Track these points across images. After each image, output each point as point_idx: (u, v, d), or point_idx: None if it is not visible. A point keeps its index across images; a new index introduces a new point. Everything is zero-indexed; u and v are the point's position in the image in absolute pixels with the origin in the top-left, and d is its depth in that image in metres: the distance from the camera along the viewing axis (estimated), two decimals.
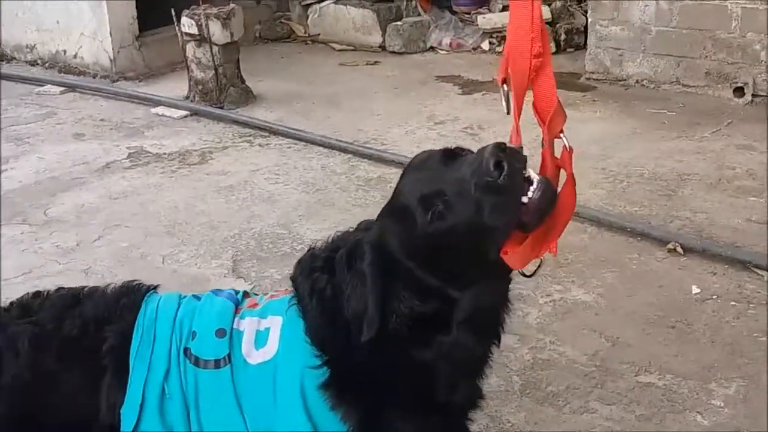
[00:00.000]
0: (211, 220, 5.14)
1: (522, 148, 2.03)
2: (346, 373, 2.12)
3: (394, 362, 2.11)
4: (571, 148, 2.01)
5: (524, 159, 1.99)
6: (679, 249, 4.55)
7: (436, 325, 2.08)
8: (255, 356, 2.20)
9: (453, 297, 2.05)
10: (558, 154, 2.04)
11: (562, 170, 2.05)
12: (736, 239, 4.67)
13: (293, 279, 2.27)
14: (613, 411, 3.39)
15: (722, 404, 3.42)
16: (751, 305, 4.07)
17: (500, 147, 1.94)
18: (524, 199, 1.93)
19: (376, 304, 2.05)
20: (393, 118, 6.82)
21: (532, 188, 1.93)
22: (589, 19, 7.71)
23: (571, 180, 2.00)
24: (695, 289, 4.22)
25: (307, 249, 2.32)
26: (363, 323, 2.05)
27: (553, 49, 8.40)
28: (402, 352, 2.10)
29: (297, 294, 2.22)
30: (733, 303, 4.10)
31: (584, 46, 8.05)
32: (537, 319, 4.01)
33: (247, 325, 2.26)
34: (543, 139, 2.02)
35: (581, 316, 4.04)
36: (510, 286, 2.18)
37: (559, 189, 2.01)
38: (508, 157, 1.92)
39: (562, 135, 2.00)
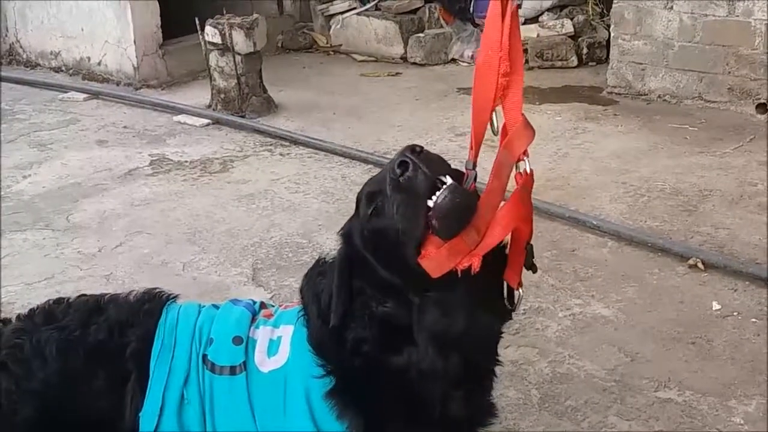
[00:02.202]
0: (231, 228, 5.16)
1: (474, 165, 2.03)
2: (348, 381, 2.15)
3: (378, 368, 2.12)
4: (531, 172, 1.98)
5: (440, 164, 2.00)
6: (700, 265, 4.53)
7: (405, 332, 2.07)
8: (267, 364, 2.24)
9: (412, 301, 2.06)
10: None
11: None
12: (757, 256, 4.65)
13: (300, 289, 2.31)
14: (632, 427, 3.37)
15: (742, 421, 3.40)
16: None
17: (411, 148, 1.97)
18: (430, 203, 1.93)
19: (340, 290, 2.10)
20: (413, 129, 6.82)
21: (438, 192, 1.92)
22: (612, 34, 7.68)
23: (515, 201, 1.97)
24: (716, 306, 4.20)
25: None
26: (326, 307, 2.12)
27: (575, 63, 8.43)
28: (380, 358, 2.11)
29: (303, 303, 2.27)
30: (753, 320, 4.08)
31: (606, 60, 8.02)
32: (556, 332, 4.00)
33: (261, 334, 2.30)
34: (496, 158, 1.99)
35: (601, 330, 4.03)
36: (491, 311, 2.13)
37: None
38: (419, 158, 1.94)
39: (525, 158, 1.97)
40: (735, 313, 4.14)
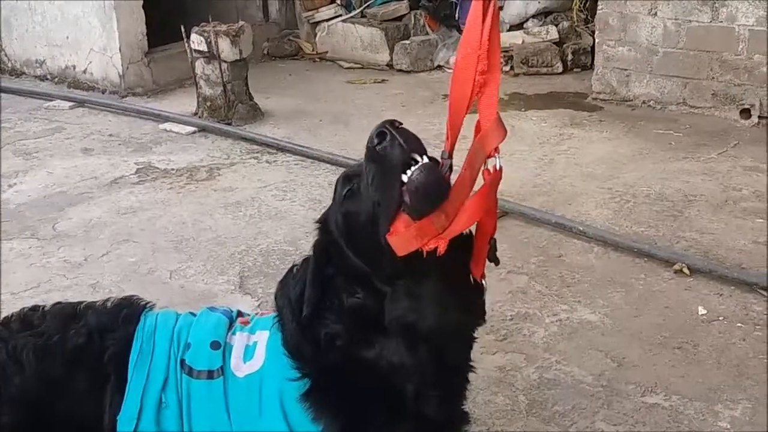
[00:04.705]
0: (218, 236, 5.15)
1: (449, 155, 2.04)
2: (322, 382, 2.16)
3: (352, 364, 2.13)
4: (500, 168, 2.00)
5: (415, 141, 2.02)
6: (685, 270, 4.55)
7: (376, 324, 2.09)
8: (242, 369, 2.26)
9: (382, 290, 2.07)
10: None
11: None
12: (742, 261, 4.68)
13: (275, 295, 2.32)
14: (619, 431, 3.38)
15: (728, 426, 3.41)
16: (757, 327, 4.07)
17: (390, 121, 2.00)
18: (404, 178, 1.95)
19: (314, 279, 2.13)
20: None
21: (412, 168, 1.95)
22: (596, 40, 7.73)
23: (484, 193, 2.00)
24: (701, 311, 4.22)
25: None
26: (299, 306, 2.13)
27: (560, 69, 8.47)
28: (353, 352, 2.12)
29: (277, 308, 2.28)
30: (739, 324, 4.10)
31: (591, 67, 8.07)
32: (543, 338, 4.01)
33: (238, 340, 2.33)
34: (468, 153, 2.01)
35: (587, 336, 4.04)
36: (461, 309, 2.14)
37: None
38: (397, 131, 1.97)
39: (496, 155, 1.99)
40: (721, 318, 4.16)
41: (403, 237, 1.96)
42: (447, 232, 1.96)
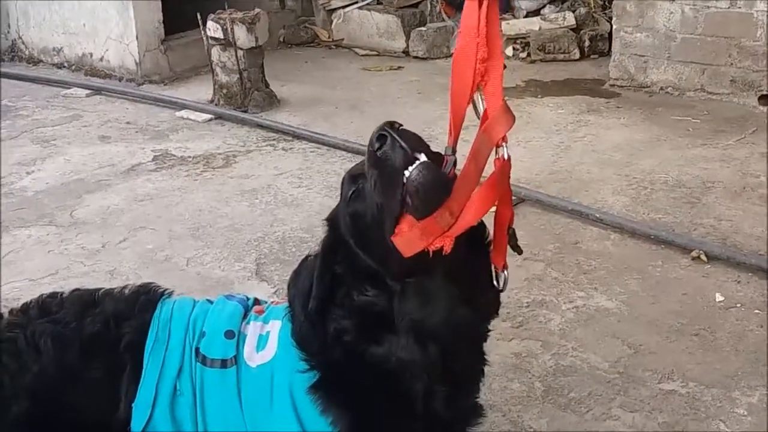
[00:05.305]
0: (234, 223, 5.17)
1: (453, 150, 2.02)
2: (330, 376, 2.15)
3: (360, 359, 2.12)
4: (508, 157, 1.97)
5: (418, 141, 1.99)
6: (703, 257, 4.53)
7: (385, 321, 2.07)
8: (255, 359, 2.26)
9: (392, 288, 2.05)
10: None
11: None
12: (760, 247, 4.65)
13: (288, 285, 2.32)
14: (636, 418, 3.38)
15: (745, 413, 3.40)
16: None
17: (390, 123, 1.97)
18: (405, 179, 1.93)
19: (321, 276, 2.11)
20: (416, 123, 6.76)
21: (411, 167, 1.92)
22: (614, 26, 7.68)
23: (490, 186, 1.96)
24: (719, 297, 4.20)
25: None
26: (308, 299, 2.13)
27: (577, 56, 8.43)
28: (361, 348, 2.11)
29: (289, 298, 2.28)
30: (757, 311, 4.08)
31: (608, 53, 8.03)
32: (559, 325, 4.01)
33: (251, 330, 2.33)
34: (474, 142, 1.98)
35: (604, 322, 4.03)
36: (473, 305, 2.12)
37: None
38: (397, 133, 1.94)
39: (503, 144, 1.95)
40: (738, 305, 4.14)
41: (408, 238, 1.93)
42: (453, 230, 1.92)
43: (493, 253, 2.12)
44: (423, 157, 1.94)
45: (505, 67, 2.01)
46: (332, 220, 2.18)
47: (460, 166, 2.01)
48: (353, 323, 2.10)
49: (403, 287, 2.05)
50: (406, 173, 1.91)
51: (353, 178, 2.09)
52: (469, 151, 1.96)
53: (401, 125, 1.99)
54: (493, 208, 2.04)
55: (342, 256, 2.12)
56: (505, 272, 2.13)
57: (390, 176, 1.93)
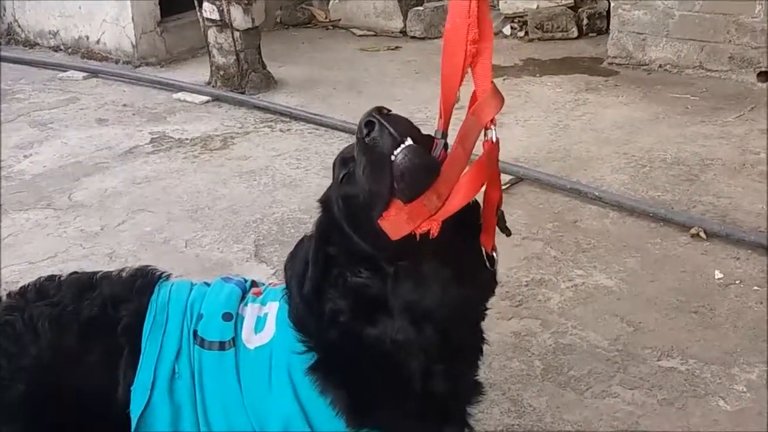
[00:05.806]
0: (233, 204, 5.16)
1: (444, 134, 2.00)
2: (327, 357, 2.15)
3: (355, 340, 2.11)
4: (496, 140, 1.94)
5: (407, 126, 1.98)
6: (702, 234, 4.53)
7: (380, 303, 2.07)
8: (253, 341, 2.25)
9: (386, 270, 2.05)
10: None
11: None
12: (759, 224, 4.65)
13: (284, 266, 2.31)
14: (635, 395, 3.39)
15: (744, 389, 3.41)
16: None
17: (378, 109, 1.96)
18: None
19: (316, 257, 2.11)
20: (414, 103, 6.80)
21: (396, 151, 1.91)
22: (612, 4, 7.66)
23: (477, 169, 1.94)
24: (718, 274, 4.20)
25: None
26: (303, 281, 2.13)
27: (575, 34, 8.40)
28: (356, 329, 2.10)
29: (286, 280, 2.27)
30: (756, 288, 4.09)
31: (606, 31, 8.00)
32: (559, 303, 4.01)
33: (249, 312, 2.32)
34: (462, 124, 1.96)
35: (603, 300, 4.04)
36: (467, 284, 2.11)
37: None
38: (386, 119, 1.93)
39: (492, 126, 1.93)
40: (737, 282, 4.14)
41: (395, 221, 1.92)
42: (440, 213, 1.91)
43: (483, 234, 2.10)
44: (408, 141, 1.93)
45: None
46: (325, 202, 2.18)
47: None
48: (347, 304, 2.10)
49: (396, 270, 2.04)
50: (393, 158, 1.91)
51: (344, 161, 2.08)
52: (456, 134, 1.95)
53: (389, 110, 1.98)
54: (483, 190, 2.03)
55: (336, 238, 2.12)
56: (494, 254, 2.12)
57: (378, 162, 1.92)
